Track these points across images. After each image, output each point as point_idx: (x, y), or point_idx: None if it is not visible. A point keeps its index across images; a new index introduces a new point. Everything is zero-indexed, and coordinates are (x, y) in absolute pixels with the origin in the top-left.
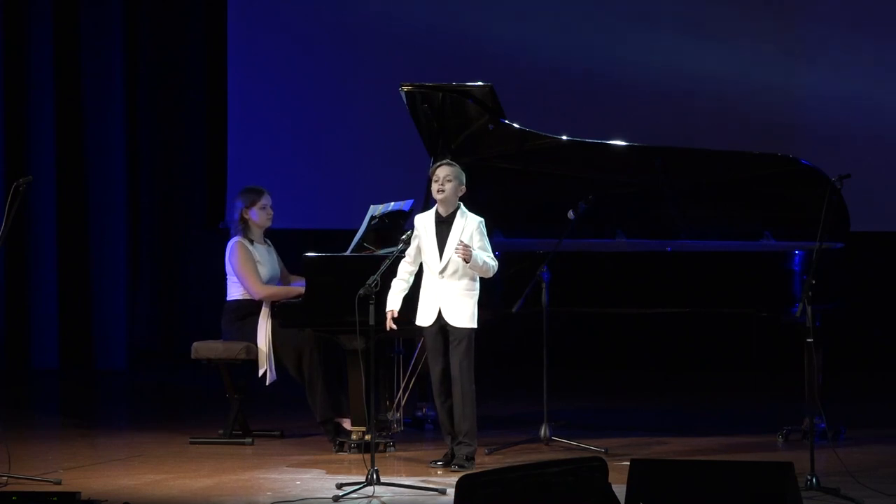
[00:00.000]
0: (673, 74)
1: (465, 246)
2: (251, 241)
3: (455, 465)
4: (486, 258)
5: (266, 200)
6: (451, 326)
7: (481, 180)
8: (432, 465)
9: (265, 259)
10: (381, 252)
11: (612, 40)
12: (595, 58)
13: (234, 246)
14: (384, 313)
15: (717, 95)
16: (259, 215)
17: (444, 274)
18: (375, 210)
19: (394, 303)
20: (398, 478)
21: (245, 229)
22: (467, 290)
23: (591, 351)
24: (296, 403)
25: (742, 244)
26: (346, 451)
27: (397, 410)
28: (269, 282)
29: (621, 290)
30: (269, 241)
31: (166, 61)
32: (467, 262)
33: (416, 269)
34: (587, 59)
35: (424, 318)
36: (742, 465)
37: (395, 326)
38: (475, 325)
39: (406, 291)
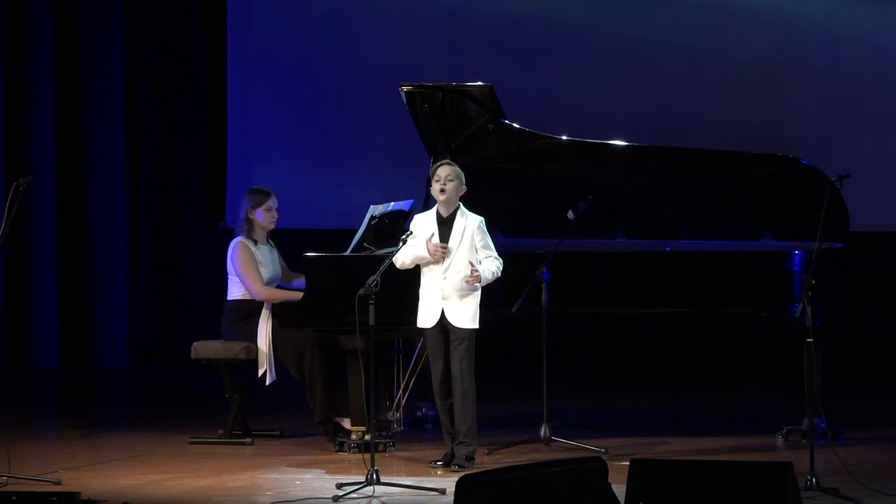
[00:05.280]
0: (672, 67)
1: (474, 270)
2: (254, 242)
3: (455, 465)
4: (491, 267)
5: (272, 202)
6: (453, 326)
7: (481, 180)
8: (432, 465)
9: (267, 260)
10: (381, 252)
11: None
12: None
13: (236, 245)
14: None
15: (716, 93)
16: (264, 217)
17: (447, 275)
18: (375, 210)
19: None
20: (398, 478)
21: (249, 229)
22: (470, 290)
23: (591, 351)
24: (296, 403)
25: (742, 244)
26: (345, 451)
27: (397, 410)
28: (270, 283)
29: (621, 290)
30: (271, 243)
31: (166, 61)
32: (479, 283)
33: None
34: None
35: (427, 319)
36: (742, 465)
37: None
38: (477, 326)
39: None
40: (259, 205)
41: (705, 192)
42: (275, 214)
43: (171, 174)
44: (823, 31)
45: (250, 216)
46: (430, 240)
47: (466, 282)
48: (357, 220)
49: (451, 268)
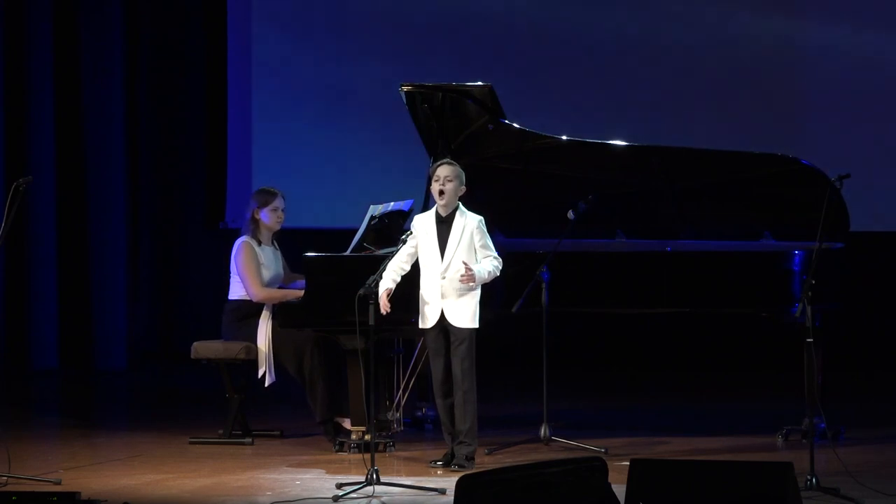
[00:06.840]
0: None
1: (468, 269)
2: (259, 243)
3: (455, 464)
4: (488, 266)
5: (278, 203)
6: (453, 326)
7: (481, 180)
8: (432, 465)
9: (270, 261)
10: (381, 252)
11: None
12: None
13: (240, 245)
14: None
15: (716, 93)
16: (270, 217)
17: (445, 274)
18: (375, 210)
19: (387, 283)
20: (398, 478)
21: (255, 230)
22: (469, 290)
23: (591, 351)
24: (296, 403)
25: (742, 244)
26: (346, 451)
27: (397, 410)
28: (271, 284)
29: (621, 290)
30: (276, 244)
31: (166, 61)
32: (472, 283)
33: (409, 267)
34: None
35: (427, 319)
36: (742, 465)
37: (389, 308)
38: (477, 326)
39: (397, 281)
40: (265, 205)
41: (705, 192)
42: (281, 215)
43: (171, 174)
44: (824, 31)
45: (256, 216)
46: (385, 295)
47: (460, 281)
48: (357, 220)
49: (450, 268)
